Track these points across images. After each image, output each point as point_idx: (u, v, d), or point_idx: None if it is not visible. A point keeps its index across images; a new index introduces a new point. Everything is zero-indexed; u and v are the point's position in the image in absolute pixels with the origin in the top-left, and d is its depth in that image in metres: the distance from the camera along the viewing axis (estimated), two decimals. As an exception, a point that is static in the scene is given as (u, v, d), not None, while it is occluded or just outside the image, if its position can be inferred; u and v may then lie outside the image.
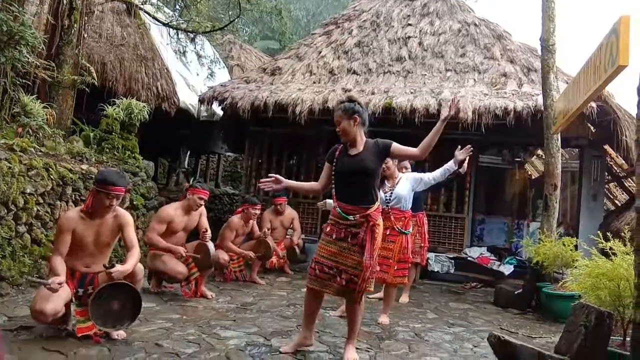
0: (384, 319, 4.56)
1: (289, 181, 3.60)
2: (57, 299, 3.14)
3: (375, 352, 3.63)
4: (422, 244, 6.00)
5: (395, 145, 3.39)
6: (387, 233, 4.44)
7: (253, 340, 3.62)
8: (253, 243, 6.35)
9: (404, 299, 5.76)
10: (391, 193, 4.73)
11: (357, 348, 3.63)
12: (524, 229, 8.57)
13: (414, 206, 5.09)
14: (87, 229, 3.43)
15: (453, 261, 7.64)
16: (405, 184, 4.80)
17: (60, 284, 3.11)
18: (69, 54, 6.84)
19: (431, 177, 4.87)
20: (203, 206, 5.13)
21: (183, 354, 3.17)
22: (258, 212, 6.18)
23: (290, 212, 7.13)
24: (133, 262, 3.43)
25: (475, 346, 4.02)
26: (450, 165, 4.73)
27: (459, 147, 4.60)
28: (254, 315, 4.41)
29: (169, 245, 4.86)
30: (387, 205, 4.63)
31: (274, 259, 6.56)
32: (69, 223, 3.38)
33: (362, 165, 3.33)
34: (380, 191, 4.47)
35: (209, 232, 5.06)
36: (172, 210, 5.00)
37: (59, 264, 3.27)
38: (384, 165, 3.87)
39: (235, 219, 6.03)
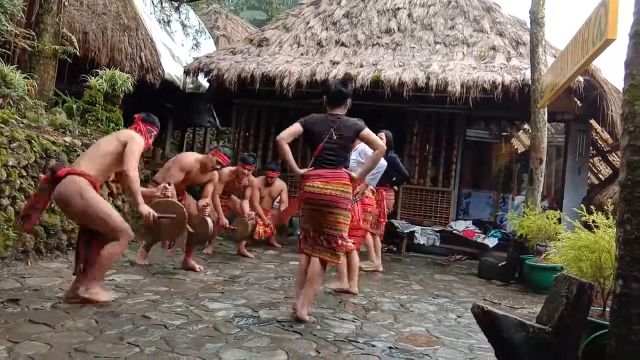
0: (334, 285, 4.57)
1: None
2: None
3: (362, 322, 3.69)
4: (380, 219, 5.88)
5: None
6: None
7: (241, 312, 3.65)
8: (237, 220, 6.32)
9: (367, 266, 5.74)
10: None
11: (343, 319, 3.69)
12: (509, 203, 8.68)
13: (373, 180, 5.05)
14: None
15: (439, 234, 7.74)
16: (354, 154, 4.57)
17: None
18: (50, 23, 6.63)
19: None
20: (216, 176, 5.14)
21: (171, 325, 3.19)
22: (249, 172, 6.11)
23: (279, 184, 7.10)
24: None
25: (459, 316, 4.10)
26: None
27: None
28: (242, 288, 4.44)
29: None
30: None
31: (260, 229, 6.53)
32: None
33: None
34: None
35: (210, 206, 5.04)
36: (193, 161, 4.98)
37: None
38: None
39: (227, 171, 5.94)
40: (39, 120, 5.41)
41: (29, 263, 4.49)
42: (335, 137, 3.57)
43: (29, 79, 5.78)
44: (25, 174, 4.59)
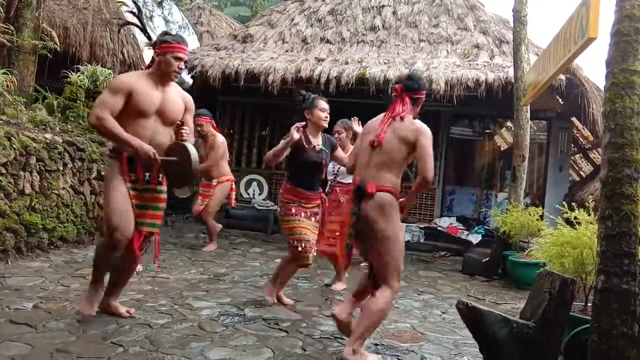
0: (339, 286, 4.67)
1: None
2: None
3: (347, 320, 3.69)
4: None
5: None
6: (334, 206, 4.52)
7: (226, 310, 3.63)
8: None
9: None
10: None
11: (329, 316, 3.69)
12: (492, 200, 8.78)
13: None
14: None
15: (423, 231, 7.78)
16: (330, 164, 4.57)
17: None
18: (29, 17, 6.49)
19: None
20: (191, 100, 3.40)
21: (155, 324, 3.16)
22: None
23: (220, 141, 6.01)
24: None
25: (443, 312, 4.14)
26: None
27: None
28: (227, 286, 4.42)
29: (128, 136, 2.99)
30: (334, 179, 4.69)
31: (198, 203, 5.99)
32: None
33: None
34: (330, 163, 4.34)
35: (190, 127, 3.34)
36: (134, 77, 3.19)
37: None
38: (337, 135, 4.50)
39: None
40: (19, 117, 5.31)
41: (9, 262, 4.41)
42: None
43: (8, 74, 5.65)
44: (4, 171, 4.49)
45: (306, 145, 3.79)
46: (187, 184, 3.41)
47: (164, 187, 3.24)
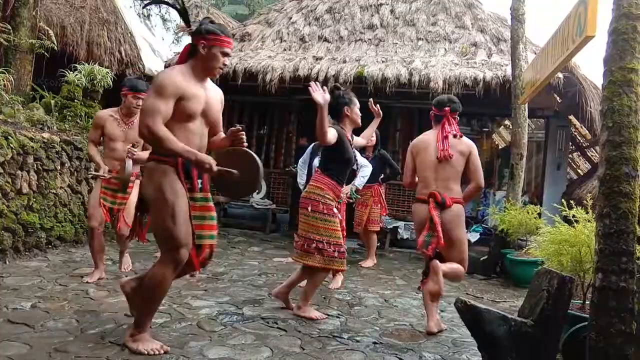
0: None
1: None
2: None
3: (346, 318, 3.70)
4: (381, 213, 6.12)
5: None
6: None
7: (225, 309, 3.63)
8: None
9: (368, 263, 5.96)
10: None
11: (327, 314, 3.70)
12: (490, 198, 8.77)
13: (372, 177, 5.43)
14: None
15: (422, 229, 7.77)
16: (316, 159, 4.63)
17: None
18: (26, 16, 6.48)
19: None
20: (223, 96, 3.30)
21: (154, 324, 3.15)
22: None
23: None
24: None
25: (442, 311, 4.13)
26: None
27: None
28: (226, 285, 4.42)
29: (182, 147, 2.69)
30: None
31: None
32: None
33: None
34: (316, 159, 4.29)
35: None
36: (179, 75, 2.83)
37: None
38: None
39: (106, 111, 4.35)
40: (16, 116, 5.30)
41: (7, 262, 4.40)
42: None
43: (5, 73, 5.65)
44: (2, 171, 4.49)
45: (351, 140, 3.69)
46: (244, 194, 3.23)
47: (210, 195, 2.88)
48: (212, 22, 2.80)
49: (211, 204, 2.81)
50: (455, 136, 3.56)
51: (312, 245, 3.51)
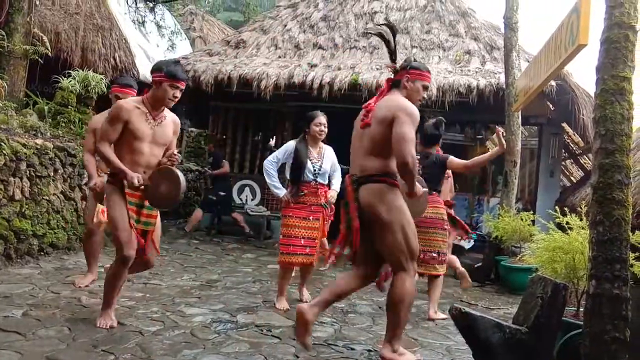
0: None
1: None
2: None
3: (340, 325, 3.68)
4: None
5: None
6: (312, 210, 4.08)
7: (218, 317, 3.61)
8: None
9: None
10: (320, 165, 4.15)
11: (321, 322, 3.68)
12: (484, 205, 8.80)
13: None
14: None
15: (416, 236, 7.77)
16: (331, 159, 4.28)
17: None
18: (20, 22, 6.47)
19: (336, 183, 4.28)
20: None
21: (147, 332, 3.13)
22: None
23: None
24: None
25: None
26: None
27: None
28: (219, 292, 4.39)
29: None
30: (315, 179, 4.11)
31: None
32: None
33: None
34: (309, 162, 4.06)
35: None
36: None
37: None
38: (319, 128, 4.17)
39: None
40: (9, 122, 5.26)
41: (-2, 269, 4.36)
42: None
43: (-2, 79, 5.62)
44: (-6, 177, 4.45)
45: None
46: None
47: None
48: (415, 60, 3.21)
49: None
50: None
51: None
